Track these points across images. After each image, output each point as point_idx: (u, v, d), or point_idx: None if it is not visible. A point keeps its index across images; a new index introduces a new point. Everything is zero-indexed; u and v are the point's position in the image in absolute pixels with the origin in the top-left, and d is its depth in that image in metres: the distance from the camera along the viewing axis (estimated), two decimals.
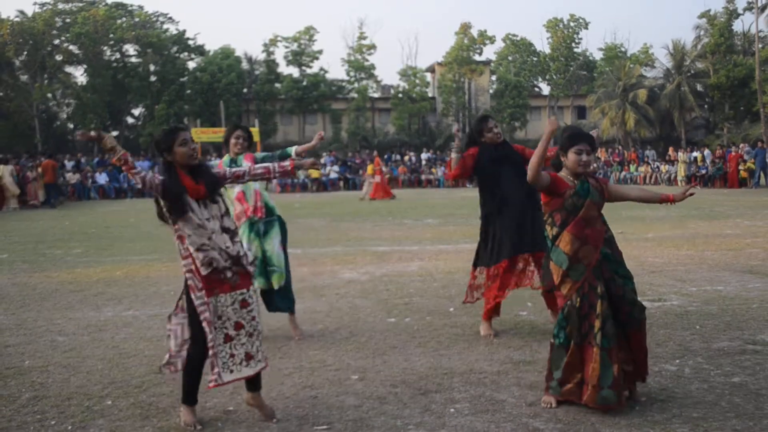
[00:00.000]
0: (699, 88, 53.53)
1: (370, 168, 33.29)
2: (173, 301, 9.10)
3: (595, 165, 5.39)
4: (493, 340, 7.00)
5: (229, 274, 4.92)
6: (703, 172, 36.69)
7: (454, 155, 7.31)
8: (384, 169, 34.23)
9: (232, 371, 4.89)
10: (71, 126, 54.94)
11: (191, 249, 4.88)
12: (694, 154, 39.40)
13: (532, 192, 6.80)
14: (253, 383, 5.01)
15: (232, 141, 7.20)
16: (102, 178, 37.92)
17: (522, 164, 6.91)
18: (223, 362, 4.88)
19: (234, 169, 5.21)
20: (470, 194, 32.99)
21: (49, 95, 52.58)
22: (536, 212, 6.69)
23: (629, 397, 5.18)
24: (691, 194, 5.34)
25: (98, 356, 6.68)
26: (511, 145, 7.47)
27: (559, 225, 5.18)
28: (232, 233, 5.03)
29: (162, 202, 4.92)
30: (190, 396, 5.00)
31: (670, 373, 5.83)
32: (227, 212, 5.11)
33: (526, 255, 7.05)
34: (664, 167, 40.55)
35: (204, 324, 4.82)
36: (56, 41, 51.45)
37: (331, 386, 5.71)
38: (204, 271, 4.85)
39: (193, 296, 4.86)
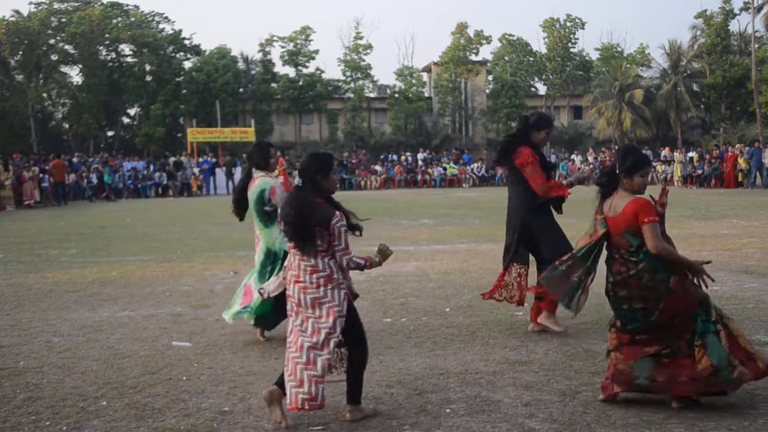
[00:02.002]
0: (695, 88, 53.62)
1: (276, 171, 32.71)
2: (168, 301, 9.13)
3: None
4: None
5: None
6: (700, 172, 36.72)
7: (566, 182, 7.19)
8: (290, 170, 33.79)
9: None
10: (66, 126, 54.86)
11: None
12: (691, 154, 39.44)
13: None
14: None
15: (273, 160, 7.27)
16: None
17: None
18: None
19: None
20: (467, 194, 33.06)
21: (45, 95, 52.51)
22: None
23: None
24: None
25: (93, 357, 6.67)
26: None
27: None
28: None
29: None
30: (359, 394, 5.08)
31: None
32: None
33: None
34: (660, 167, 40.58)
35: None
36: (52, 41, 51.35)
37: (327, 386, 5.68)
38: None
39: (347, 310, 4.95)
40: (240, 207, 7.23)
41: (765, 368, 4.96)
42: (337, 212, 4.90)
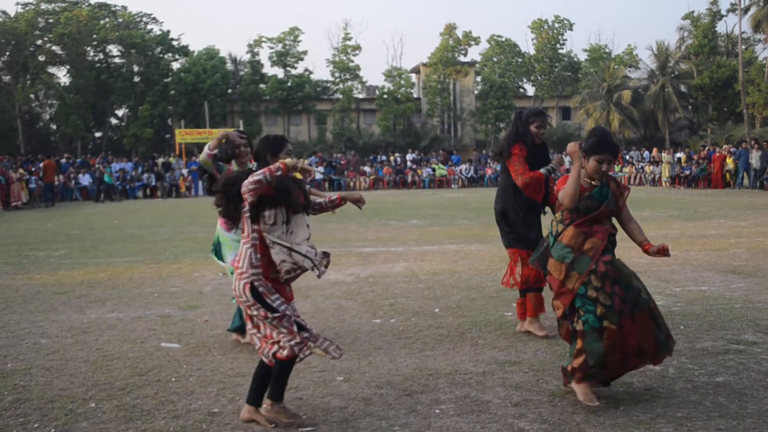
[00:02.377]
0: (683, 89, 53.87)
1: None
2: (157, 302, 9.11)
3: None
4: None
5: (287, 288, 4.96)
6: (687, 172, 36.87)
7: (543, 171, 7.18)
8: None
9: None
10: (54, 127, 54.67)
11: (280, 256, 4.78)
12: (678, 154, 39.59)
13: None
14: (279, 394, 4.98)
15: (244, 149, 6.99)
16: (85, 180, 37.69)
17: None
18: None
19: (320, 200, 5.26)
20: (456, 195, 33.09)
21: (32, 96, 52.33)
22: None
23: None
24: (666, 255, 5.34)
25: (81, 359, 6.64)
26: (545, 145, 7.45)
27: (567, 223, 5.24)
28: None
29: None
30: (282, 392, 4.99)
31: (654, 373, 5.85)
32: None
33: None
34: (648, 168, 40.72)
35: (288, 316, 4.81)
36: (39, 42, 51.20)
37: (317, 388, 5.69)
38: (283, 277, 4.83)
39: (268, 300, 4.77)
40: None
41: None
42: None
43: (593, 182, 5.26)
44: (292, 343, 4.77)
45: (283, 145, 5.09)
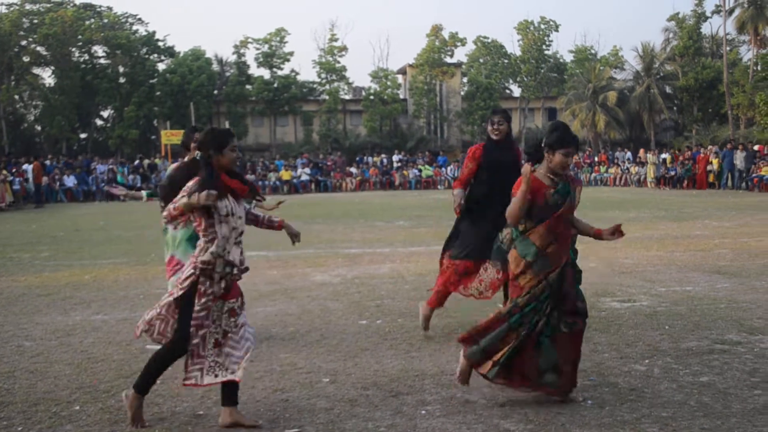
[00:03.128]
0: (668, 90, 54.07)
1: None
2: (142, 304, 9.06)
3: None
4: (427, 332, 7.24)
5: (224, 283, 4.90)
6: (672, 173, 37.04)
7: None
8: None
9: (216, 375, 4.88)
10: (39, 128, 54.37)
11: (214, 252, 4.80)
12: (664, 155, 39.76)
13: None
14: (230, 398, 4.95)
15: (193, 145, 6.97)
16: (70, 181, 37.52)
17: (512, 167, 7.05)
18: (209, 366, 4.87)
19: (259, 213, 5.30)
20: (442, 196, 33.11)
21: (17, 97, 51.94)
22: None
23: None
24: (620, 235, 5.34)
25: (66, 361, 6.61)
26: (513, 144, 7.51)
27: (535, 219, 5.20)
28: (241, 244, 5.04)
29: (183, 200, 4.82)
30: (147, 385, 5.00)
31: (639, 372, 5.87)
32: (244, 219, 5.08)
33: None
34: (634, 169, 40.88)
35: (193, 328, 4.83)
36: (23, 42, 50.82)
37: (302, 389, 5.69)
38: (217, 277, 4.84)
39: (195, 299, 4.82)
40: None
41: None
42: (196, 177, 4.84)
43: (555, 178, 5.25)
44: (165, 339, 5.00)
45: (227, 141, 4.97)
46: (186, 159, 7.03)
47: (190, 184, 4.82)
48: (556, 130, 5.28)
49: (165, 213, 4.89)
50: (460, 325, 7.60)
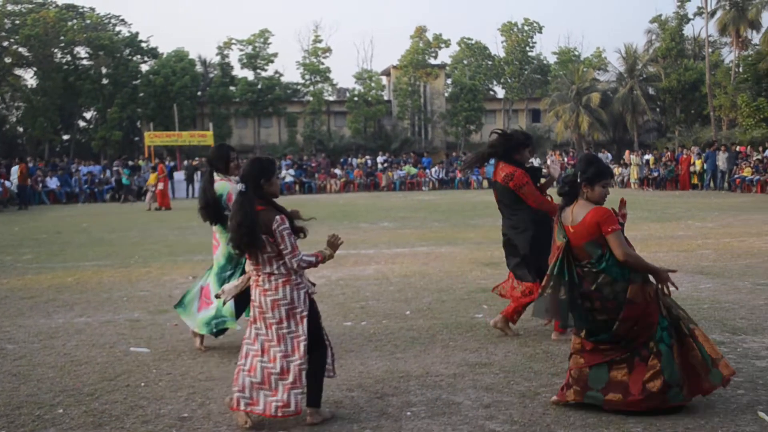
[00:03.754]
0: (651, 91, 54.31)
1: (153, 177, 30.56)
2: (126, 307, 9.03)
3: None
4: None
5: None
6: (656, 174, 37.21)
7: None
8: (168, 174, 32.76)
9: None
10: (21, 129, 54.05)
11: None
12: (647, 156, 39.95)
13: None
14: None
15: (233, 164, 7.01)
16: (53, 183, 37.32)
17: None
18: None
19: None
20: (426, 197, 33.17)
21: None
22: None
23: None
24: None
25: (49, 364, 6.57)
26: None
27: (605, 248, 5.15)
28: None
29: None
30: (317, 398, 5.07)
31: None
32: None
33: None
34: (617, 170, 41.04)
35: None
36: (5, 43, 50.50)
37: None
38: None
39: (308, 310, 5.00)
40: (210, 212, 6.82)
41: (709, 387, 5.06)
42: (277, 216, 4.88)
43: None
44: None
45: (274, 170, 5.08)
46: (232, 177, 6.97)
47: (284, 225, 4.89)
48: (591, 164, 5.31)
49: (297, 262, 4.95)
50: (444, 327, 7.60)
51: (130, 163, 41.16)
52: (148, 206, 29.32)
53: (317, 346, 5.03)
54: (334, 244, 5.24)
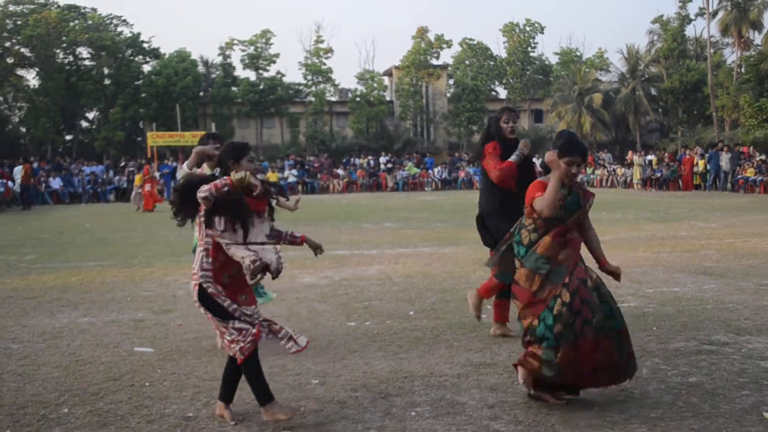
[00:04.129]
0: (653, 92, 54.30)
1: (138, 178, 30.47)
2: (130, 307, 9.04)
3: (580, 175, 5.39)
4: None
5: (242, 296, 5.00)
6: (658, 175, 37.20)
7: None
8: (156, 175, 32.56)
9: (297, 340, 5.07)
10: (23, 130, 54.10)
11: (239, 257, 4.81)
12: (649, 157, 39.93)
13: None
14: (227, 395, 5.08)
15: (213, 151, 6.93)
16: (56, 183, 37.37)
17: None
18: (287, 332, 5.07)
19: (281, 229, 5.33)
20: (429, 198, 33.18)
21: (1, 99, 51.68)
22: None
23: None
24: (617, 279, 5.46)
25: (54, 363, 6.57)
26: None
27: (541, 232, 5.19)
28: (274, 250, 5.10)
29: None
30: (264, 394, 5.01)
31: None
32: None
33: None
34: (620, 170, 41.02)
35: (238, 317, 4.89)
36: (7, 44, 50.54)
37: (292, 391, 5.68)
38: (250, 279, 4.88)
39: (218, 301, 4.86)
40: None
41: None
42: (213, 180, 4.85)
43: (564, 190, 5.21)
44: (237, 347, 4.86)
45: (245, 152, 5.08)
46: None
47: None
48: (560, 138, 5.27)
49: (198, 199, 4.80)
50: (448, 327, 7.60)
51: (132, 163, 41.20)
52: (136, 207, 29.01)
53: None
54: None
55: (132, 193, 30.79)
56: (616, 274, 5.41)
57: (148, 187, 29.13)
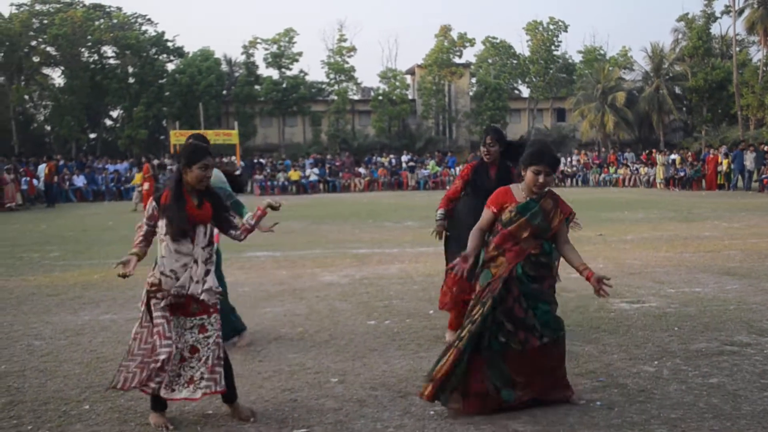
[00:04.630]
0: (677, 90, 53.93)
1: (138, 176, 29.74)
2: None
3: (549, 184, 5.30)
4: None
5: (193, 305, 4.96)
6: (682, 174, 36.92)
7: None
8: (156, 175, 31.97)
9: (173, 390, 4.89)
10: (48, 128, 54.57)
11: (159, 268, 4.93)
12: (673, 156, 39.65)
13: None
14: (227, 396, 5.06)
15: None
16: (80, 181, 37.64)
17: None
18: (170, 378, 4.87)
19: (241, 221, 5.31)
20: None
21: (26, 97, 52.15)
22: None
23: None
24: (604, 294, 5.07)
25: (75, 360, 6.63)
26: (506, 167, 7.05)
27: (492, 236, 5.20)
28: (209, 266, 5.01)
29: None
30: (155, 401, 5.03)
31: (648, 374, 5.85)
32: (211, 243, 5.06)
33: None
34: (643, 169, 40.75)
35: (156, 336, 4.84)
36: (33, 43, 51.05)
37: (311, 389, 5.69)
38: (161, 296, 4.88)
39: (152, 305, 4.91)
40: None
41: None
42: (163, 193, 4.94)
43: (529, 197, 5.16)
44: (128, 372, 4.94)
45: (198, 158, 4.94)
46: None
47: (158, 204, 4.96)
48: (531, 147, 5.24)
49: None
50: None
51: (156, 161, 41.41)
52: (134, 206, 28.32)
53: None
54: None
55: (134, 194, 30.17)
56: (599, 285, 5.04)
57: (146, 186, 28.03)
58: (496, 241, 5.14)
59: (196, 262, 4.93)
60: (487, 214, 5.20)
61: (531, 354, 5.07)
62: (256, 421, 5.00)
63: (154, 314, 4.87)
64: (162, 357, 4.76)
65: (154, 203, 4.88)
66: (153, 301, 4.88)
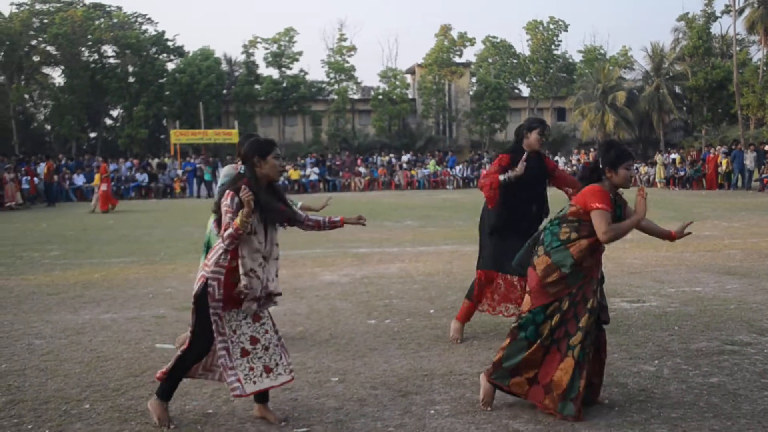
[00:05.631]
0: (677, 90, 53.94)
1: (97, 177, 28.72)
2: (152, 303, 9.10)
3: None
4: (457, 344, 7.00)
5: (254, 305, 4.91)
6: (682, 173, 36.93)
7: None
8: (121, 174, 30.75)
9: (255, 383, 4.85)
10: (48, 127, 54.57)
11: (241, 270, 4.77)
12: (673, 155, 39.64)
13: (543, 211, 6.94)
14: (261, 395, 5.02)
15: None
16: (79, 180, 37.61)
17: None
18: (245, 375, 4.84)
19: (302, 213, 5.25)
20: (451, 196, 33.08)
21: (26, 96, 52.14)
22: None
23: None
24: (689, 233, 5.40)
25: (76, 359, 6.62)
26: (543, 157, 7.18)
27: (583, 233, 5.09)
28: (277, 264, 5.03)
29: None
30: (169, 391, 5.01)
31: (648, 373, 5.86)
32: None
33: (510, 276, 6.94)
34: (643, 169, 40.75)
35: (215, 334, 4.86)
36: (33, 42, 51.04)
37: (311, 388, 5.69)
38: (240, 295, 4.82)
39: (209, 302, 4.82)
40: None
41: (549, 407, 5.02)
42: (230, 190, 4.82)
43: (616, 198, 5.26)
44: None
45: (270, 149, 4.97)
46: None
47: (226, 201, 4.81)
48: (612, 148, 5.22)
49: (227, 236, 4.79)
50: (468, 326, 7.58)
51: (155, 161, 41.42)
52: (92, 208, 27.45)
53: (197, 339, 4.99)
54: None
55: (93, 196, 29.06)
56: (684, 228, 5.42)
57: (104, 187, 27.22)
58: (593, 242, 5.08)
59: (266, 258, 4.91)
60: (606, 216, 5.05)
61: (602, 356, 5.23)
62: (287, 425, 4.98)
63: (211, 310, 4.83)
64: (221, 353, 4.84)
65: (237, 198, 4.77)
66: (211, 299, 4.81)
